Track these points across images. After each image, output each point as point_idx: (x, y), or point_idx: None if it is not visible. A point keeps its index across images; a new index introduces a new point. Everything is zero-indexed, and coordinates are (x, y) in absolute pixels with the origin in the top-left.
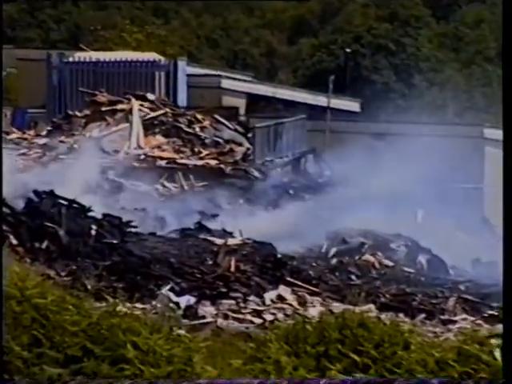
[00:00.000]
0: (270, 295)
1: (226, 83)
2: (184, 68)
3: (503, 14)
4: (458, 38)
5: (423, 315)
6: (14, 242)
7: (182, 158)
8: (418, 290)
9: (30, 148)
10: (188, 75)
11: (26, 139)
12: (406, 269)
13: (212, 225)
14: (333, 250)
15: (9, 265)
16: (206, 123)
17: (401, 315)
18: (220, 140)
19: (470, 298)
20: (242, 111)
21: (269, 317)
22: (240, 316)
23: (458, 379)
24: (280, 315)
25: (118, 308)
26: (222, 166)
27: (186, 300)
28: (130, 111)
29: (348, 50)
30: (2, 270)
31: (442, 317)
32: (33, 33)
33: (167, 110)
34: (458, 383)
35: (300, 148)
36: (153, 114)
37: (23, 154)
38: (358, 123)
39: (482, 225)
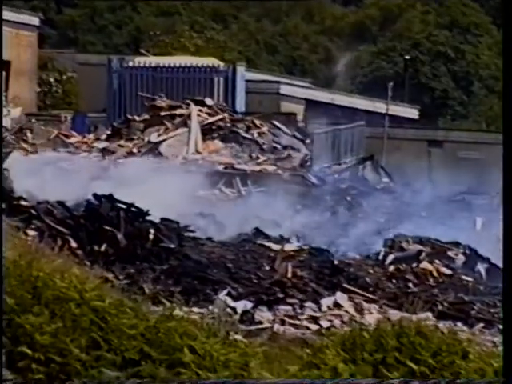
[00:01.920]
0: (326, 301)
1: (284, 89)
2: (242, 73)
3: (503, 14)
4: None
5: (482, 324)
6: (74, 244)
7: (239, 164)
8: (477, 299)
9: (89, 151)
10: (246, 81)
11: (85, 143)
12: (465, 277)
13: (269, 230)
14: (390, 257)
15: (68, 268)
16: (264, 129)
17: (459, 324)
18: (278, 146)
19: None
20: (300, 117)
21: (325, 323)
22: (296, 322)
23: (458, 379)
24: (336, 322)
25: (175, 312)
26: (279, 171)
27: (242, 305)
28: (189, 116)
29: (407, 57)
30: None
31: (501, 326)
32: (93, 37)
33: (225, 115)
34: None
35: (358, 154)
36: (211, 120)
37: (83, 157)
38: (416, 130)
39: None
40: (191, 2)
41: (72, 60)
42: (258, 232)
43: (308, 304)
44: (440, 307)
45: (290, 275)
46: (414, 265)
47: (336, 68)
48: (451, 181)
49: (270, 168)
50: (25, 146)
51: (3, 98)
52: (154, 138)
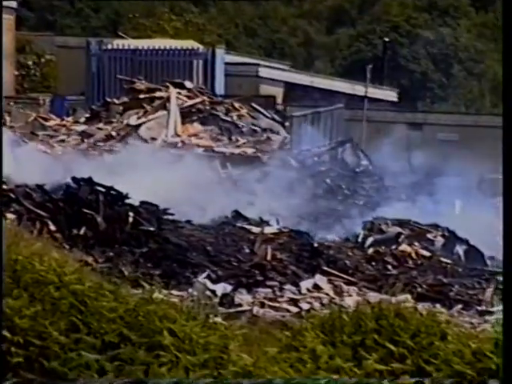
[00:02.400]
0: (306, 284)
1: (263, 72)
2: (222, 56)
3: (503, 13)
4: (498, 27)
5: (460, 306)
6: (53, 228)
7: (219, 146)
8: (455, 281)
9: (68, 135)
10: (226, 64)
11: (64, 126)
12: (443, 259)
13: (249, 213)
14: (369, 240)
15: (47, 251)
16: (244, 112)
17: (438, 306)
18: (257, 128)
19: None
20: (279, 100)
21: (305, 306)
22: (276, 304)
23: (459, 379)
24: (316, 304)
25: (155, 295)
26: (259, 154)
27: (222, 288)
28: (168, 99)
29: (386, 40)
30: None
31: (480, 308)
32: (71, 20)
33: (205, 98)
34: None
35: (337, 137)
36: (190, 102)
37: (62, 140)
38: (395, 113)
39: None
40: None
41: (50, 43)
42: (237, 215)
43: (287, 286)
44: (419, 289)
45: (269, 258)
46: (393, 247)
47: (315, 51)
48: (430, 163)
49: (250, 151)
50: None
51: None
52: (133, 120)
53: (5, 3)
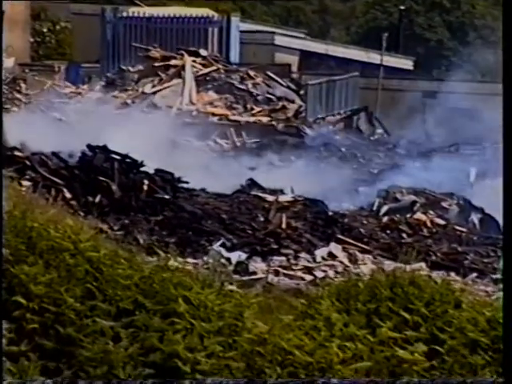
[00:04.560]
0: (320, 252)
1: (278, 40)
2: (237, 24)
3: (503, 13)
4: None
5: (475, 274)
6: (68, 195)
7: (234, 115)
8: (470, 249)
9: (83, 102)
10: (241, 31)
11: (79, 93)
12: (458, 227)
13: (263, 181)
14: (384, 208)
15: (63, 218)
16: (259, 80)
17: (452, 274)
18: (272, 97)
19: None
20: (294, 68)
21: (319, 274)
22: (291, 272)
23: (459, 379)
24: (331, 272)
25: (170, 263)
26: (273, 122)
27: (237, 256)
28: (183, 67)
29: (402, 8)
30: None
31: (494, 276)
32: None
33: (220, 66)
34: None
35: (352, 105)
36: (205, 70)
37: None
38: (410, 81)
39: None
40: None
41: (66, 10)
42: (252, 183)
43: (302, 255)
44: (433, 257)
45: (284, 226)
46: (408, 215)
47: (331, 19)
48: (445, 131)
49: (265, 119)
50: (18, 96)
51: None
52: (148, 88)
53: None
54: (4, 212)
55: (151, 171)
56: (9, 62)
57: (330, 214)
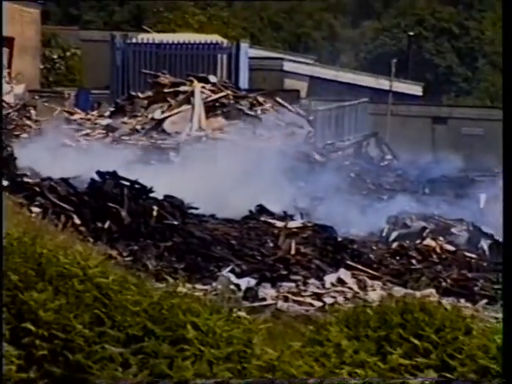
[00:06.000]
0: (330, 278)
1: (288, 66)
2: (246, 50)
3: (503, 13)
4: None
5: (485, 300)
6: (77, 221)
7: (243, 141)
8: (480, 276)
9: (93, 129)
10: (250, 58)
11: (89, 120)
12: (468, 254)
13: (273, 207)
14: (394, 234)
15: (72, 244)
16: (268, 106)
17: (462, 300)
18: (281, 123)
19: None
20: (303, 94)
21: (329, 300)
22: (300, 298)
23: (459, 379)
24: (340, 298)
25: (179, 288)
26: (283, 148)
27: (246, 282)
28: (192, 93)
29: (411, 34)
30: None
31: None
32: (95, 15)
33: (229, 92)
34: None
35: (362, 131)
36: (214, 96)
37: (86, 134)
38: (419, 106)
39: None
40: None
41: (75, 37)
42: (261, 209)
43: (311, 281)
44: (443, 284)
45: (293, 252)
46: (418, 241)
47: (340, 45)
48: (455, 158)
49: (274, 145)
50: (28, 122)
51: (6, 75)
52: (157, 114)
53: None
54: (12, 238)
55: (160, 197)
56: (19, 89)
57: (339, 239)
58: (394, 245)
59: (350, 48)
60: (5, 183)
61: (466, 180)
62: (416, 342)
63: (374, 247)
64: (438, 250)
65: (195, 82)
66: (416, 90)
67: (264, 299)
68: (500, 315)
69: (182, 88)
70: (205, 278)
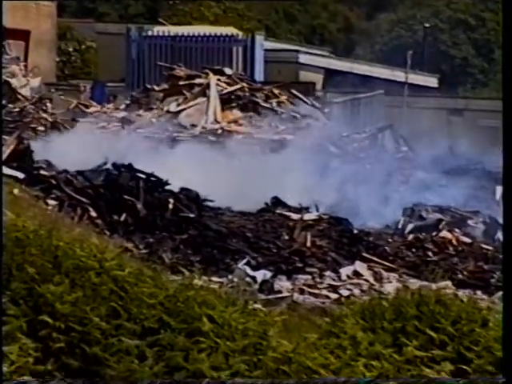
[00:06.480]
0: (345, 271)
1: (303, 58)
2: (261, 43)
3: (503, 13)
4: None
5: (501, 292)
6: (93, 214)
7: (258, 133)
8: (496, 267)
9: (108, 122)
10: (265, 50)
11: (105, 113)
12: (484, 246)
13: (288, 200)
14: (409, 226)
15: (88, 237)
16: (283, 98)
17: (478, 292)
18: (297, 115)
19: None
20: (319, 86)
21: (345, 292)
22: (316, 291)
23: (459, 379)
24: (356, 291)
25: (194, 281)
26: (298, 140)
27: (262, 274)
28: (208, 86)
29: (426, 25)
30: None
31: None
32: (110, 8)
33: (244, 84)
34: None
35: (377, 123)
36: (230, 89)
37: (102, 127)
38: (435, 98)
39: None
40: None
41: (91, 29)
42: (277, 201)
43: (327, 273)
44: (460, 276)
45: (309, 244)
46: (434, 234)
47: (355, 37)
48: (471, 149)
49: (289, 137)
50: (44, 115)
51: (23, 68)
52: (173, 107)
53: None
54: (29, 231)
55: (176, 190)
56: (35, 82)
57: (355, 232)
58: (410, 237)
59: (365, 40)
60: (21, 176)
61: (482, 172)
62: (432, 334)
63: (390, 239)
64: (454, 241)
65: (210, 75)
66: (432, 81)
67: (280, 291)
68: None
69: (197, 81)
70: (220, 270)
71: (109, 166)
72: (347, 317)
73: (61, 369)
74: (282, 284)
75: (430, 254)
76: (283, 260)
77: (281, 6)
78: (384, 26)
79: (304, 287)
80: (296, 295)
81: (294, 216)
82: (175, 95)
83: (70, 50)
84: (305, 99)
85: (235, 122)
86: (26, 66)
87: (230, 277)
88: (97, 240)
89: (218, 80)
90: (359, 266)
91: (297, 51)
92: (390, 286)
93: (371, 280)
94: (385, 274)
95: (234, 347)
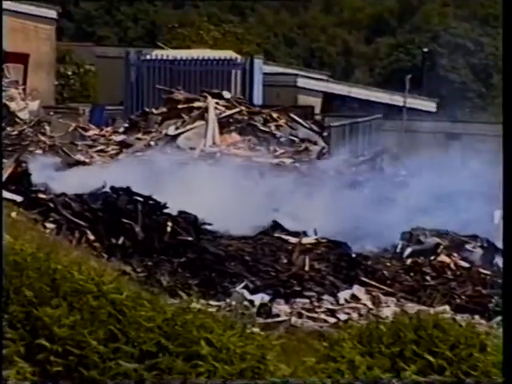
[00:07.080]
0: (343, 294)
1: (302, 82)
2: (260, 66)
3: (503, 13)
4: None
5: (499, 317)
6: (91, 237)
7: (257, 157)
8: (494, 292)
9: (107, 145)
10: (264, 73)
11: (103, 136)
12: (482, 270)
13: (287, 223)
14: (408, 250)
15: (86, 260)
16: (282, 122)
17: (477, 317)
18: (295, 139)
19: None
20: (317, 110)
21: (343, 316)
22: (314, 315)
23: (459, 379)
24: (354, 315)
25: (192, 305)
26: (297, 164)
27: (260, 298)
28: (206, 109)
29: (425, 50)
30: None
31: None
32: (109, 31)
33: (243, 108)
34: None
35: (375, 147)
36: (228, 112)
37: (101, 150)
38: (434, 123)
39: None
40: None
41: (90, 53)
42: (275, 225)
43: (325, 297)
44: (458, 300)
45: (307, 268)
46: (432, 258)
47: (354, 60)
48: (470, 174)
49: (288, 161)
50: (43, 138)
51: (21, 91)
52: (171, 130)
53: (45, 13)
54: (26, 254)
55: (174, 213)
56: (34, 105)
57: (353, 255)
58: (408, 261)
59: (364, 63)
60: (19, 199)
61: (479, 195)
62: (430, 358)
63: (388, 263)
64: (452, 266)
65: (209, 98)
66: (430, 106)
67: (278, 315)
68: None
69: (196, 104)
70: (218, 293)
71: (107, 189)
72: (345, 341)
73: None
74: (280, 308)
75: (428, 278)
76: (281, 283)
77: (280, 30)
78: (383, 50)
79: (302, 311)
80: (294, 319)
81: (292, 239)
82: (174, 118)
83: (69, 73)
84: (303, 123)
85: (233, 145)
86: (24, 89)
87: (228, 300)
88: (95, 263)
89: (217, 103)
90: (357, 290)
91: (295, 75)
92: (388, 310)
93: (369, 304)
94: (383, 298)
95: (232, 371)
